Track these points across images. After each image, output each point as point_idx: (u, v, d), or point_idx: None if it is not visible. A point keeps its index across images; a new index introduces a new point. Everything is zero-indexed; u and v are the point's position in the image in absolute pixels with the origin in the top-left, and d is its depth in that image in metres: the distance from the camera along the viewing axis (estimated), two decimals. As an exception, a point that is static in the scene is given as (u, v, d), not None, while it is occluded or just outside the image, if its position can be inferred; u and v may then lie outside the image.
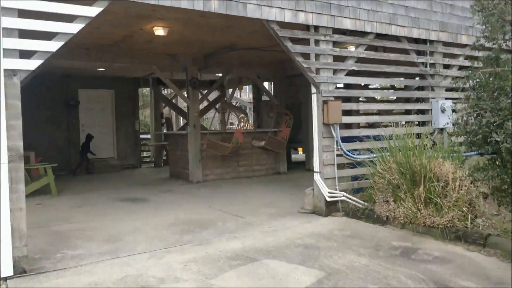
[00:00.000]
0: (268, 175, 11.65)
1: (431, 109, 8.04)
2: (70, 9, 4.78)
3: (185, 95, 11.36)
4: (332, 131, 6.76)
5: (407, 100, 9.03)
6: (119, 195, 9.25)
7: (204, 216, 7.10)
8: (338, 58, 6.89)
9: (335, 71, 6.89)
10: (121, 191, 9.78)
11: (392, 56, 7.51)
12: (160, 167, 14.59)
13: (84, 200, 8.82)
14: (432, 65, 8.08)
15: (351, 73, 7.07)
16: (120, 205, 8.30)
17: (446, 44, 8.28)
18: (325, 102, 6.66)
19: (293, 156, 15.44)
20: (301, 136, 12.59)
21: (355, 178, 7.12)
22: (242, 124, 10.21)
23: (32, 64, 4.60)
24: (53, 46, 4.71)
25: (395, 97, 9.57)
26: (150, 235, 6.01)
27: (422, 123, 8.17)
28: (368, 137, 7.23)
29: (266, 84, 14.31)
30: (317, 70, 6.71)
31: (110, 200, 8.72)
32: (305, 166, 12.59)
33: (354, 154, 7.05)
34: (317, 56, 6.70)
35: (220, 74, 12.27)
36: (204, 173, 10.83)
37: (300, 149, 15.86)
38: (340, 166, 6.95)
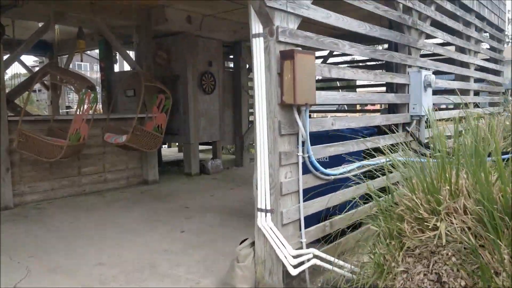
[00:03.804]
0: (131, 187, 7.48)
1: (408, 84, 4.97)
2: None
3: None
4: (298, 120, 3.10)
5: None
6: None
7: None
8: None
9: (296, -9, 3.23)
10: None
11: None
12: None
13: None
14: (408, 10, 4.97)
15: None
16: None
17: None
18: (286, 55, 2.96)
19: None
20: (177, 124, 8.64)
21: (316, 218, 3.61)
22: (86, 105, 5.87)
23: None
24: None
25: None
26: None
27: (392, 108, 5.04)
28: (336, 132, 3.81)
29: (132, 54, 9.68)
30: (267, -19, 2.97)
31: None
32: (184, 169, 8.70)
33: (324, 168, 3.52)
34: None
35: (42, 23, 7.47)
36: (18, 190, 6.23)
37: (173, 144, 11.89)
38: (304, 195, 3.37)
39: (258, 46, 3.06)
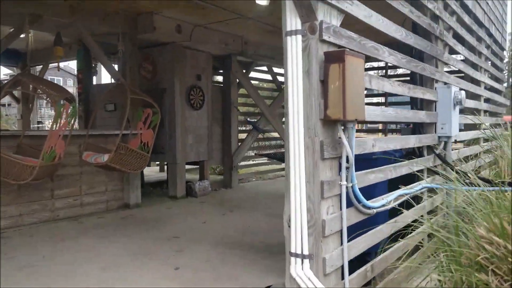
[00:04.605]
0: (110, 212, 6.67)
1: (436, 102, 4.43)
2: None
3: None
4: (344, 140, 2.47)
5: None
6: None
7: None
8: None
9: (339, -18, 2.63)
10: None
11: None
12: None
13: None
14: (436, 19, 4.46)
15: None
16: None
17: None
18: (332, 57, 2.34)
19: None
20: (162, 142, 7.89)
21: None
22: (63, 118, 5.10)
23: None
24: None
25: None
26: None
27: (418, 127, 4.46)
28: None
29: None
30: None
31: None
32: (169, 192, 7.93)
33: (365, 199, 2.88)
34: None
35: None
36: (-21, 216, 5.38)
37: (152, 163, 11.10)
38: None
39: (294, 46, 2.42)
